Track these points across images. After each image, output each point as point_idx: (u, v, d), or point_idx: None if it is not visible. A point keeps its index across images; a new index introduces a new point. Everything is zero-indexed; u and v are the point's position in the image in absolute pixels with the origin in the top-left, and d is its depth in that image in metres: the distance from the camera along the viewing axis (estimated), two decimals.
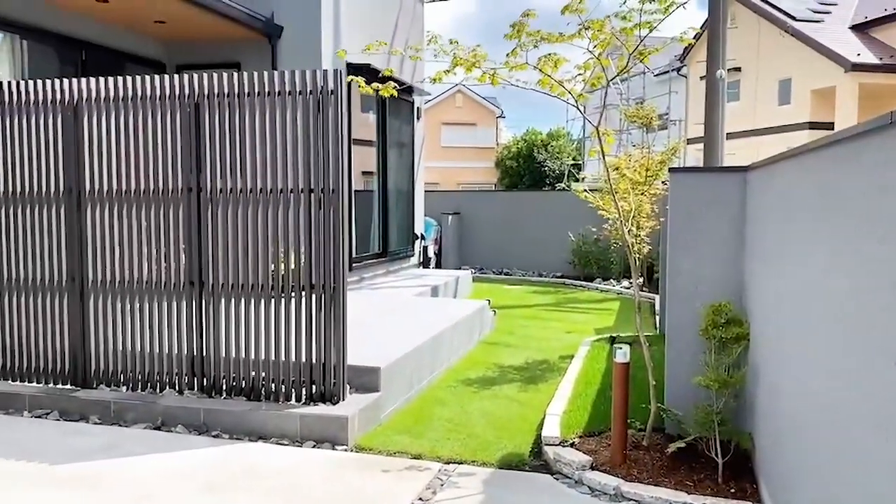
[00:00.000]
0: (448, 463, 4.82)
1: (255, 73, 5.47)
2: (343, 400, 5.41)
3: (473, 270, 15.01)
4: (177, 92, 5.60)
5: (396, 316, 8.01)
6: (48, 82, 5.79)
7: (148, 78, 5.66)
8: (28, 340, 5.94)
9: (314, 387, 5.45)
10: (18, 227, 5.91)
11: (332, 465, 4.74)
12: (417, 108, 13.32)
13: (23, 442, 4.95)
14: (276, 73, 5.45)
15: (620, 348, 4.62)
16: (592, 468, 4.56)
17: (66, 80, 5.77)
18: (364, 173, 11.77)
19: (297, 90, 5.39)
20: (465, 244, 16.80)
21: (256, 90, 5.46)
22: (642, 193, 7.16)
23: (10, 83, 5.86)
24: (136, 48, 9.59)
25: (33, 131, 5.84)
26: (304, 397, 5.47)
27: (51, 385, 5.89)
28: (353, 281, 10.50)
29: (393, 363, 5.92)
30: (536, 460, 4.91)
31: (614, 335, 8.59)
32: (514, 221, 16.43)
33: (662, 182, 8.25)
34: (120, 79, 5.69)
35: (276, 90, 5.42)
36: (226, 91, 5.51)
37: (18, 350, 5.96)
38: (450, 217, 16.54)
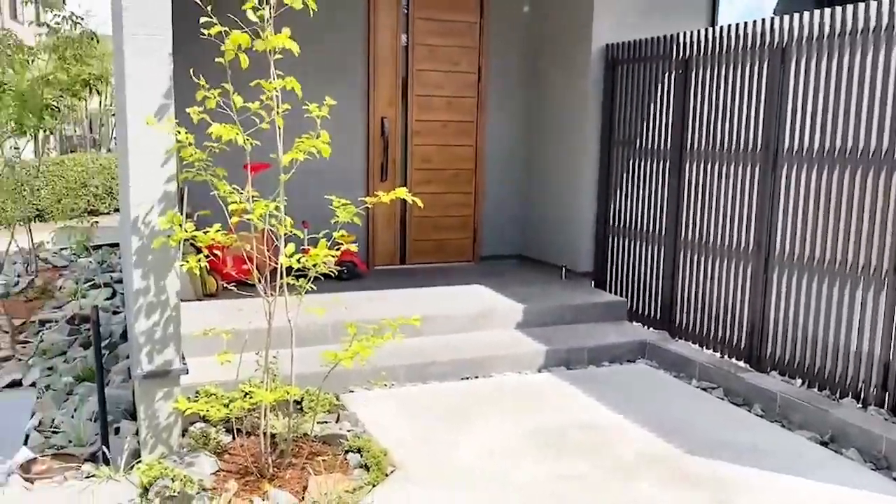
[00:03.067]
0: None
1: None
2: None
3: None
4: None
5: None
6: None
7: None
8: (708, 304, 5.63)
9: None
10: (707, 185, 5.59)
11: None
12: None
13: (677, 418, 4.63)
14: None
15: None
16: None
17: (771, 21, 5.02)
18: None
19: None
20: None
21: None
22: None
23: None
24: None
25: (721, 84, 5.34)
26: None
27: (724, 357, 5.48)
28: None
29: None
30: None
31: None
32: None
33: None
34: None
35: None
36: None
37: (697, 312, 5.72)
38: None
